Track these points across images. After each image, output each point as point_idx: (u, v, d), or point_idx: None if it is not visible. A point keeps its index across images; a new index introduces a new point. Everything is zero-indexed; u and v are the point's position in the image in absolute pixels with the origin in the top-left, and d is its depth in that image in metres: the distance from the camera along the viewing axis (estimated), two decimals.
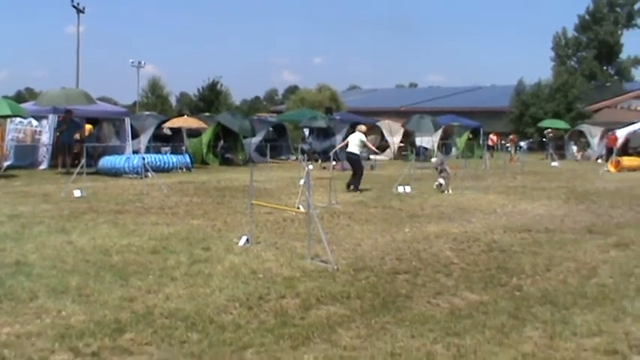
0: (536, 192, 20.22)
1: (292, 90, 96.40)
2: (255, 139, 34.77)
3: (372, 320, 6.77)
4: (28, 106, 28.16)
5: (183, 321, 6.57)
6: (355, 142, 20.00)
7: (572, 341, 6.27)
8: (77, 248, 10.01)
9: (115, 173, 23.20)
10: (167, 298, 7.40)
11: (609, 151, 36.99)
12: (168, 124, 32.08)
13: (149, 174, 20.61)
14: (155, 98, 69.20)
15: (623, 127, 38.92)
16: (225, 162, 31.63)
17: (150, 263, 9.09)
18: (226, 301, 7.32)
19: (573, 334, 6.48)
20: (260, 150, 34.57)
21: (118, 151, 27.07)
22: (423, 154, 33.95)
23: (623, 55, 78.57)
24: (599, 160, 38.60)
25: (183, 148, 29.36)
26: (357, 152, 20.06)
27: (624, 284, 8.55)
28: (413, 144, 37.61)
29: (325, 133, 37.62)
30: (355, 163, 20.03)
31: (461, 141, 42.49)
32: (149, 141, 30.55)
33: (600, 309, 7.35)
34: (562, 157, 42.14)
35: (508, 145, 42.96)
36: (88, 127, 29.20)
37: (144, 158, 22.26)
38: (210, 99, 62.75)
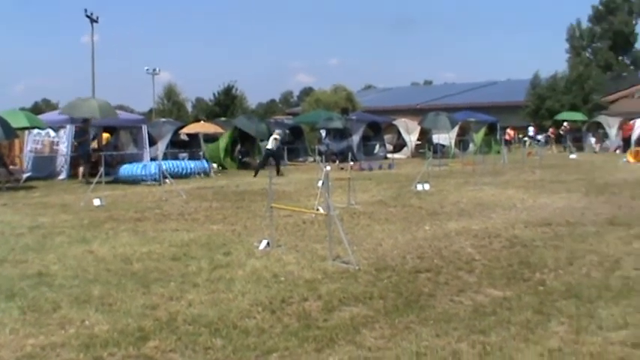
0: (556, 185, 20.12)
1: (307, 92, 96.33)
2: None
3: (395, 320, 6.75)
4: (47, 116, 28.33)
5: (206, 327, 6.56)
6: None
7: (598, 335, 6.22)
8: (98, 257, 10.03)
9: (133, 181, 23.29)
10: (190, 304, 7.39)
11: (626, 142, 36.81)
12: (185, 130, 32.17)
13: (167, 180, 20.65)
14: (171, 105, 69.28)
15: None
16: (243, 166, 31.71)
17: (171, 270, 9.10)
18: (249, 305, 7.31)
19: (599, 327, 6.43)
20: None
21: (136, 158, 27.11)
22: (440, 151, 33.81)
23: (639, 45, 78.07)
24: (618, 151, 38.47)
25: (201, 153, 29.44)
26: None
27: None
28: (430, 141, 37.55)
29: (342, 134, 37.55)
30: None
31: (478, 137, 42.34)
32: (166, 147, 30.58)
33: (625, 302, 7.29)
34: (580, 149, 41.98)
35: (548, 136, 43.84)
36: (106, 135, 29.35)
37: (161, 165, 22.31)
38: (226, 103, 62.92)
